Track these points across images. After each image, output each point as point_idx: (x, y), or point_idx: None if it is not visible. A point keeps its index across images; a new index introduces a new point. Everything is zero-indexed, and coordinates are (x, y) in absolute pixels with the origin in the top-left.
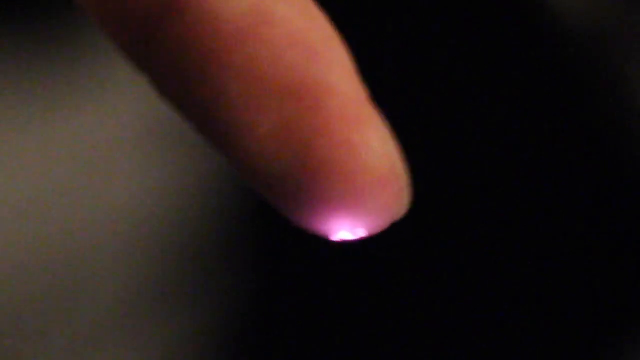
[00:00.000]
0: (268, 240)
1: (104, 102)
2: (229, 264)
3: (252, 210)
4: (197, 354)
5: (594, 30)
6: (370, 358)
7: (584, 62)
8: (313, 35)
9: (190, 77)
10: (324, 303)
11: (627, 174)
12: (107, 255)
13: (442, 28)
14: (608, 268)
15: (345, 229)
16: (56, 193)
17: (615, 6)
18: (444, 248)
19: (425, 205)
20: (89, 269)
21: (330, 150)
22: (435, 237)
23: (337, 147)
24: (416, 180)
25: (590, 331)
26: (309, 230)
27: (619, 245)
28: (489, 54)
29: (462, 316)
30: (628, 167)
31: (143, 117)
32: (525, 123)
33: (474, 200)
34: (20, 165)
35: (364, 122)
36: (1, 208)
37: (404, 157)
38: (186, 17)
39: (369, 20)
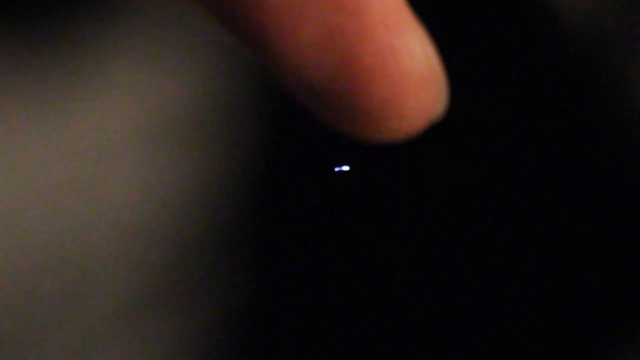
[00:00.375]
0: (268, 240)
1: (103, 102)
2: (229, 264)
3: (253, 210)
4: (197, 354)
5: (594, 30)
6: (371, 358)
7: (584, 62)
8: None
9: None
10: (325, 303)
11: (627, 174)
12: (107, 255)
13: (442, 28)
14: (608, 268)
15: (388, 133)
16: (56, 193)
17: (615, 6)
18: (443, 248)
19: (425, 205)
20: (88, 269)
21: (373, 55)
22: (435, 237)
23: (380, 52)
24: (416, 179)
25: (590, 331)
26: (350, 137)
27: (619, 245)
28: (488, 54)
29: (461, 316)
30: (628, 167)
31: (143, 117)
32: (525, 123)
33: (473, 200)
34: (19, 165)
35: (404, 27)
36: (1, 207)
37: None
38: None
39: None
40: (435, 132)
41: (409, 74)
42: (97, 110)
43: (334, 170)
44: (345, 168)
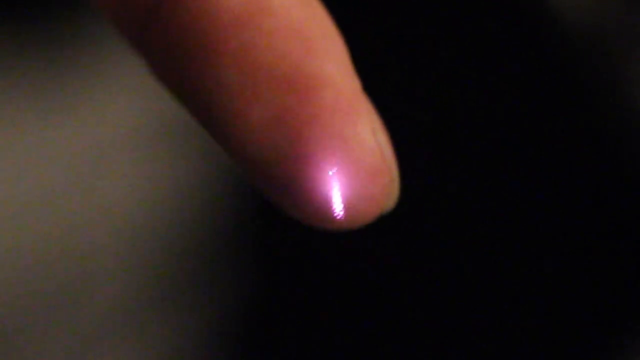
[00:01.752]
0: (269, 240)
1: (103, 102)
2: (229, 264)
3: (253, 210)
4: (197, 353)
5: (594, 30)
6: (371, 357)
7: (584, 62)
8: (310, 26)
9: (187, 62)
10: (324, 303)
11: (627, 174)
12: (107, 255)
13: (442, 27)
14: (608, 268)
15: (334, 220)
16: (55, 193)
17: (615, 6)
18: (443, 248)
19: (425, 205)
20: (88, 269)
21: (321, 141)
22: (434, 237)
23: (328, 139)
24: (416, 179)
25: (590, 331)
26: (299, 221)
27: (619, 245)
28: (488, 54)
29: (461, 316)
30: (628, 167)
31: (143, 117)
32: (525, 123)
33: (473, 200)
34: (19, 165)
35: (356, 114)
36: (1, 208)
37: (396, 152)
38: (185, 3)
39: (367, 18)
40: (434, 131)
41: (356, 162)
42: (96, 110)
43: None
44: None
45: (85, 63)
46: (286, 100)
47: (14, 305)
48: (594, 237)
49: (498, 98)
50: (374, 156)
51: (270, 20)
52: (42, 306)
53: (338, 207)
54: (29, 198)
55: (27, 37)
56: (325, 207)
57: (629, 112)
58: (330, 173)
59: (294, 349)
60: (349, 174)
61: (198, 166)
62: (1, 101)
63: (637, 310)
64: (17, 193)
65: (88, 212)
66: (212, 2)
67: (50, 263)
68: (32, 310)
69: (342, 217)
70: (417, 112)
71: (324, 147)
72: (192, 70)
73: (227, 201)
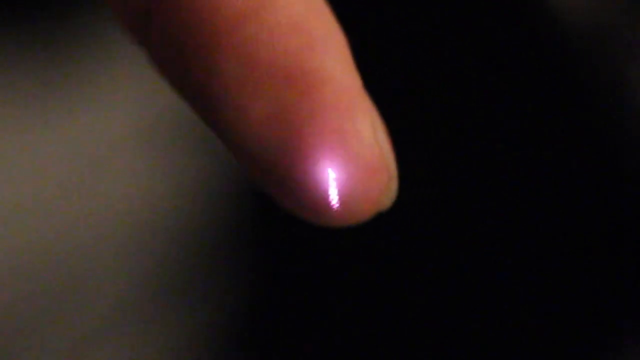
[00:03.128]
0: (269, 239)
1: (103, 102)
2: (229, 264)
3: (253, 209)
4: (197, 353)
5: (594, 30)
6: (371, 357)
7: (584, 62)
8: (312, 22)
9: (188, 56)
10: (324, 303)
11: (627, 174)
12: (108, 255)
13: (442, 27)
14: (608, 268)
15: (331, 217)
16: (56, 193)
17: (615, 6)
18: (442, 248)
19: (424, 205)
20: (88, 269)
21: (321, 137)
22: (435, 237)
23: (327, 135)
24: (416, 179)
25: (590, 331)
26: (297, 217)
27: (619, 245)
28: (488, 54)
29: (461, 317)
30: (628, 167)
31: (143, 117)
32: (525, 123)
33: (473, 200)
34: (19, 165)
35: (356, 111)
36: (1, 208)
37: (396, 151)
38: None
39: (368, 17)
40: (434, 131)
41: (355, 159)
42: (96, 111)
43: None
44: None
45: (86, 63)
46: (286, 96)
47: (14, 305)
48: (594, 237)
49: (498, 98)
50: (373, 153)
51: (272, 15)
52: (42, 306)
53: (336, 204)
54: (29, 198)
55: (27, 37)
56: (322, 204)
57: (629, 112)
58: (329, 169)
59: (294, 349)
60: (348, 170)
61: (198, 166)
62: (1, 101)
63: (637, 310)
64: (18, 193)
65: (89, 212)
66: None
67: (50, 263)
68: (32, 310)
69: (339, 213)
70: (417, 112)
71: (323, 143)
72: (193, 63)
73: (227, 201)
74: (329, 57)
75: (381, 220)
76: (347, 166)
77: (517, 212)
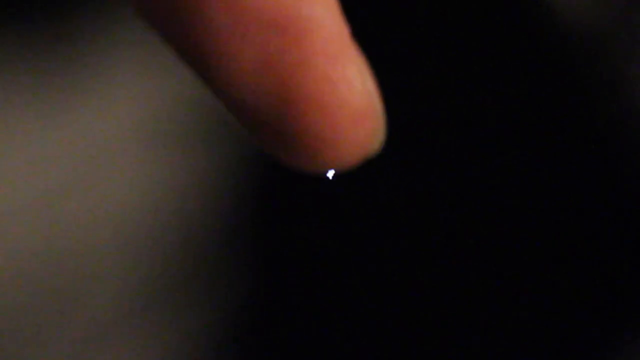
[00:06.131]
0: (268, 240)
1: (103, 102)
2: (229, 264)
3: (253, 209)
4: (197, 354)
5: (594, 30)
6: (371, 357)
7: (584, 62)
8: None
9: (177, 5)
10: (325, 303)
11: (627, 173)
12: (107, 255)
13: (442, 28)
14: (608, 268)
15: (322, 163)
16: (55, 193)
17: (615, 6)
18: (442, 247)
19: (424, 206)
20: (88, 269)
21: (310, 84)
22: (434, 238)
23: (317, 82)
24: (416, 179)
25: (590, 331)
26: (288, 166)
27: (619, 245)
28: (488, 54)
29: (461, 317)
30: (628, 167)
31: (143, 117)
32: (525, 123)
33: (473, 200)
34: (19, 165)
35: (344, 58)
36: (1, 208)
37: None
38: None
39: (369, 16)
40: (433, 131)
41: (346, 106)
42: (96, 110)
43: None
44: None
45: (86, 63)
46: (275, 44)
47: (14, 305)
48: (594, 237)
49: (498, 98)
50: (362, 99)
51: None
52: (43, 306)
53: (326, 150)
54: (29, 198)
55: (28, 37)
56: (313, 150)
57: (629, 112)
58: (318, 115)
59: (294, 349)
60: (337, 115)
61: (198, 167)
62: (2, 101)
63: (637, 310)
64: (18, 193)
65: (88, 212)
66: None
67: (50, 263)
68: (32, 311)
69: (329, 159)
70: (417, 112)
71: (313, 90)
72: (182, 13)
73: (227, 201)
74: (317, 5)
75: (381, 221)
76: (337, 112)
77: (517, 212)
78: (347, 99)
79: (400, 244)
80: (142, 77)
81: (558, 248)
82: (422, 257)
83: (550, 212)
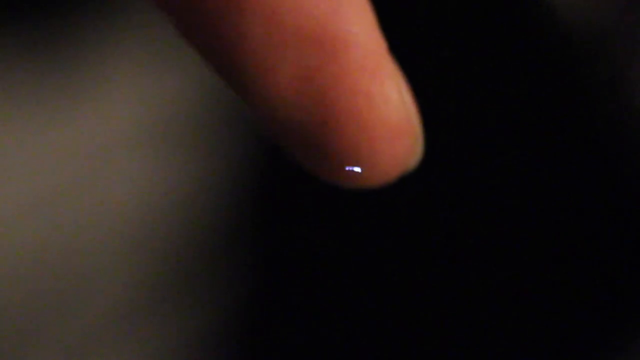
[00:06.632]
0: (268, 240)
1: (103, 102)
2: (229, 264)
3: (253, 209)
4: (196, 354)
5: (594, 30)
6: (371, 357)
7: (584, 62)
8: None
9: (214, 19)
10: (324, 303)
11: (627, 173)
12: (107, 255)
13: (442, 28)
14: (608, 268)
15: (359, 178)
16: (55, 193)
17: (615, 6)
18: (443, 247)
19: (424, 206)
20: (88, 269)
21: (348, 100)
22: (435, 238)
23: (354, 97)
24: (416, 179)
25: (590, 331)
26: (324, 180)
27: (619, 245)
28: (488, 54)
29: (462, 317)
30: (628, 167)
31: (143, 117)
32: (525, 123)
33: (473, 200)
34: (19, 165)
35: (382, 73)
36: (1, 208)
37: (420, 111)
38: None
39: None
40: (434, 131)
41: (383, 122)
42: (97, 111)
43: None
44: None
45: (87, 63)
46: (313, 60)
47: (14, 305)
48: (594, 237)
49: (498, 97)
50: (400, 114)
51: None
52: (43, 306)
53: (363, 167)
54: (30, 198)
55: (28, 37)
56: (350, 166)
57: (629, 112)
58: (355, 131)
59: (294, 349)
60: (375, 131)
61: (198, 167)
62: (2, 101)
63: (637, 310)
64: (19, 193)
65: (88, 212)
66: None
67: (50, 263)
68: (32, 310)
69: (365, 175)
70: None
71: (350, 105)
72: (218, 26)
73: (227, 201)
74: (354, 20)
75: (381, 220)
76: (375, 127)
77: (517, 212)
78: (385, 114)
79: (401, 244)
80: (143, 78)
81: (558, 248)
82: (422, 257)
83: (550, 212)
